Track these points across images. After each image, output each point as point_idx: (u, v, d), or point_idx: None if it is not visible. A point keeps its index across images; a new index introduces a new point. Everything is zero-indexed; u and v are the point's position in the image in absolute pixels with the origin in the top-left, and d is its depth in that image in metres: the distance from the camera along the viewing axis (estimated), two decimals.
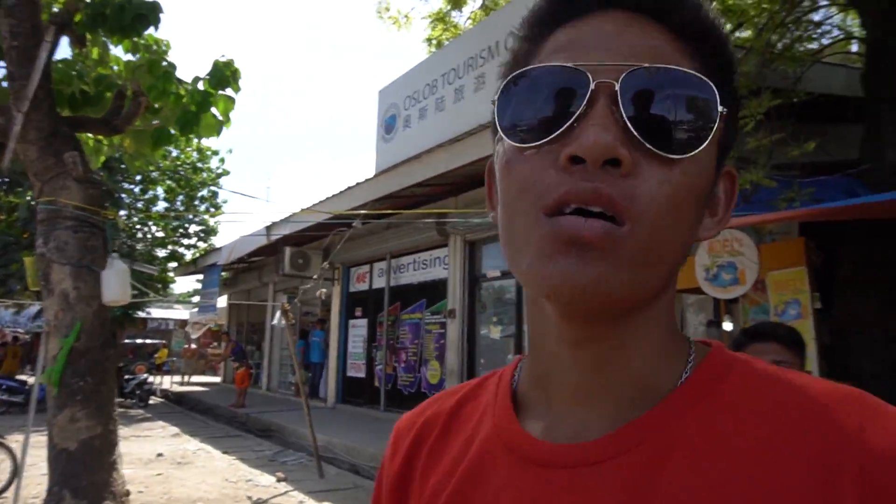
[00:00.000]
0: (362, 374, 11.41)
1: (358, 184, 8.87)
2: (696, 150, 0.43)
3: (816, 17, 7.17)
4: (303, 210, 9.65)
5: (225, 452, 8.04)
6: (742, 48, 5.12)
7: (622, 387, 0.48)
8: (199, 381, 20.06)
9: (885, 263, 4.69)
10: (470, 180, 8.71)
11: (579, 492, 0.45)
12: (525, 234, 0.44)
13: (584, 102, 0.42)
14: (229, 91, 5.08)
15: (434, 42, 9.75)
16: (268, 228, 11.28)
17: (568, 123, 0.42)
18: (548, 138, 0.43)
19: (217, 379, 20.47)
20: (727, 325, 4.82)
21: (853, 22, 7.12)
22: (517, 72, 0.47)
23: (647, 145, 0.42)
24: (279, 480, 6.44)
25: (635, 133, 0.42)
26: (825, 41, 7.75)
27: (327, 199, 9.59)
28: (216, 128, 5.03)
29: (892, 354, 4.73)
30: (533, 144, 0.44)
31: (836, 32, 7.95)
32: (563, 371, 0.49)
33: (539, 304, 0.50)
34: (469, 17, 9.42)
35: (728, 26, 7.97)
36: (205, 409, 13.68)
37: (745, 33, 5.98)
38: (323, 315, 14.06)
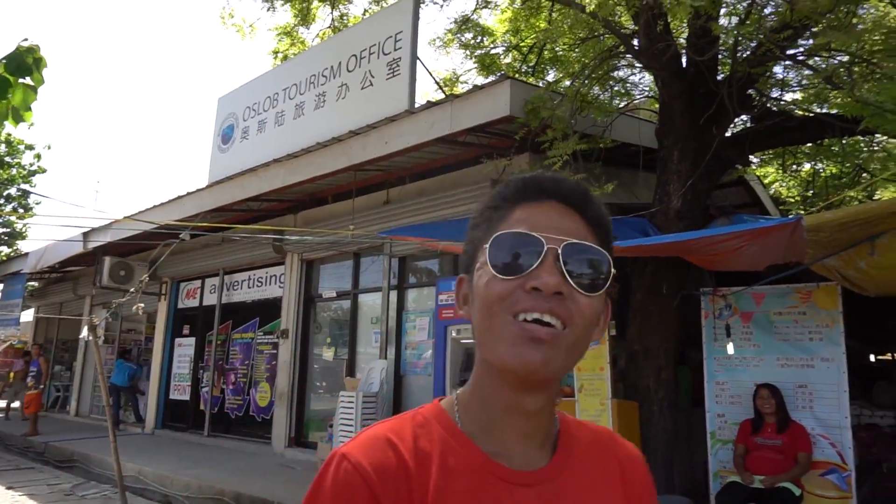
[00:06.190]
0: (186, 397, 10.64)
1: (189, 193, 8.37)
2: (601, 291, 0.75)
3: (634, 76, 8.05)
4: (125, 218, 8.87)
5: (9, 488, 7.06)
6: (559, 94, 5.59)
7: (542, 432, 0.80)
8: None
9: (669, 294, 5.33)
10: (309, 198, 8.58)
11: (555, 497, 0.76)
12: (501, 329, 0.72)
13: (541, 257, 0.72)
14: (31, 81, 4.56)
15: (280, 55, 9.53)
16: (85, 235, 10.22)
17: (532, 269, 0.72)
18: (520, 275, 0.72)
19: (16, 404, 17.93)
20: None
21: None
22: (503, 231, 0.76)
23: (576, 288, 0.72)
24: None
25: (570, 281, 0.72)
26: (639, 98, 8.74)
27: (154, 207, 8.93)
28: (8, 116, 4.48)
29: (671, 375, 5.36)
30: (509, 277, 0.72)
31: (649, 91, 8.99)
32: (515, 422, 0.77)
33: (496, 378, 0.76)
34: (318, 35, 9.34)
35: (556, 75, 8.65)
36: None
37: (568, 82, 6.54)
38: (149, 333, 12.96)
